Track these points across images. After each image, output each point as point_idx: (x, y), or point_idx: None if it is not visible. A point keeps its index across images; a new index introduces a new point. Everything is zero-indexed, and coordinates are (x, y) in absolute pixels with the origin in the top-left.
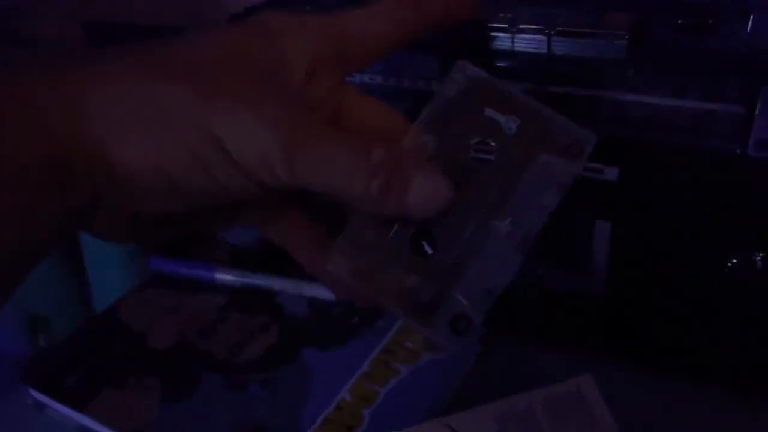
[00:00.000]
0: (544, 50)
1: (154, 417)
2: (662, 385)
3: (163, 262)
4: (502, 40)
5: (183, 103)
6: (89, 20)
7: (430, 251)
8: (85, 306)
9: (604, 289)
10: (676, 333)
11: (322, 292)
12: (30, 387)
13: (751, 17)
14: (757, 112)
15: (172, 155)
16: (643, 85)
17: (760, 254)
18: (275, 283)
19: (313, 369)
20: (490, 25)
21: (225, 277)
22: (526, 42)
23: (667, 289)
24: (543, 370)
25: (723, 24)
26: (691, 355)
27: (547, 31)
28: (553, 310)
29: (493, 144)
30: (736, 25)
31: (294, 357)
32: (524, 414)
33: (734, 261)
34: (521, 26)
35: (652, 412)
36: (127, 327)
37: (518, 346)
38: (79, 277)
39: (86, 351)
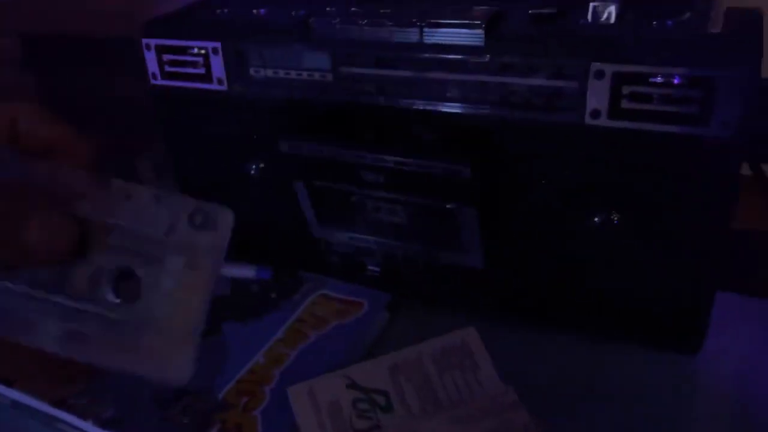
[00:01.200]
0: (416, 40)
1: (81, 387)
2: (536, 336)
3: None
4: (381, 33)
5: None
6: (23, 31)
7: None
8: None
9: (483, 262)
10: (548, 289)
11: (242, 272)
12: None
13: (591, 7)
14: (588, 85)
15: None
16: (499, 68)
17: (615, 212)
18: None
19: (231, 339)
20: (369, 18)
21: None
22: (402, 33)
23: (536, 254)
24: (443, 326)
25: (566, 13)
26: (559, 307)
27: (418, 23)
28: (448, 278)
29: None
30: (577, 14)
31: (215, 330)
32: (414, 363)
33: (594, 220)
34: (398, 20)
35: (527, 359)
36: None
37: (422, 312)
38: None
39: None
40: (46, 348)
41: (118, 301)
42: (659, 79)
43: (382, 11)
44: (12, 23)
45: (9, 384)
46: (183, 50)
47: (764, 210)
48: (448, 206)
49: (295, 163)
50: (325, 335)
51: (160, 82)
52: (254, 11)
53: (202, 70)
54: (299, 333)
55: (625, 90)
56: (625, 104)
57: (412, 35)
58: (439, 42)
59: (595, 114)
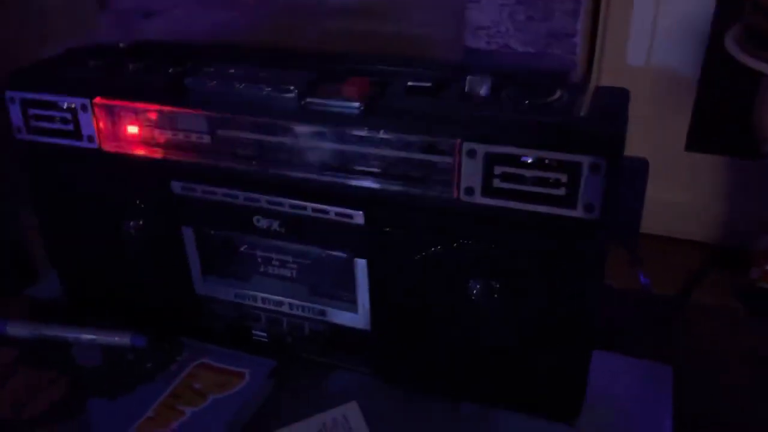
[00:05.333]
0: (294, 107)
1: None
2: (420, 405)
3: None
4: (259, 97)
5: None
6: None
7: None
8: None
9: (370, 323)
10: (431, 357)
11: (116, 340)
12: None
13: (467, 81)
14: (461, 164)
15: None
16: (376, 141)
17: (491, 282)
18: (69, 334)
19: (97, 420)
20: (247, 83)
21: (17, 330)
22: (280, 99)
23: (420, 319)
24: (329, 395)
25: (443, 87)
26: (445, 375)
27: (296, 90)
28: (335, 341)
29: None
30: (453, 88)
31: (80, 409)
32: None
33: (473, 290)
34: (276, 86)
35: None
36: None
37: (307, 380)
38: None
39: None
40: None
41: None
42: (530, 160)
43: (261, 74)
44: None
45: None
46: (51, 105)
47: (630, 266)
48: (340, 254)
49: (186, 207)
50: (202, 411)
51: (25, 136)
52: (130, 65)
53: (71, 127)
54: (172, 410)
55: (497, 170)
56: (497, 183)
57: (289, 102)
58: (317, 111)
59: (469, 191)
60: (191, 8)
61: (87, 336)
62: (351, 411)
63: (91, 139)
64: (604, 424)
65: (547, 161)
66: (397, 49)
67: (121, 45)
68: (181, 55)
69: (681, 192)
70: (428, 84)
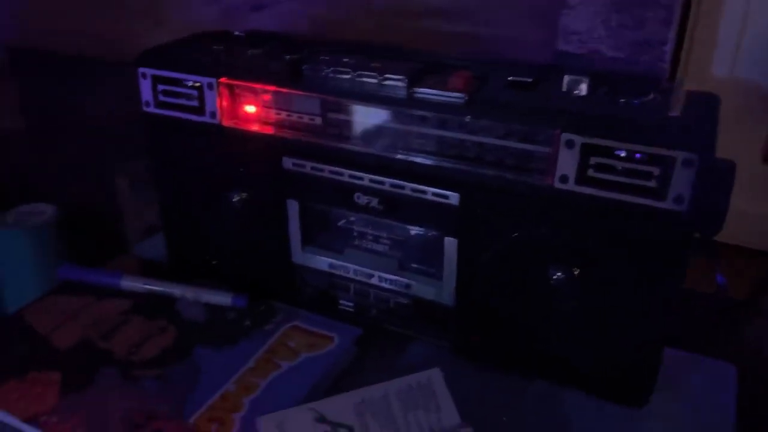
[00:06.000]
0: (402, 95)
1: (54, 405)
2: (500, 378)
3: (70, 270)
4: (369, 86)
5: None
6: (14, 47)
7: None
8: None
9: (455, 298)
10: (509, 334)
11: (218, 299)
12: None
13: (565, 79)
14: (558, 153)
15: None
16: (478, 129)
17: (576, 269)
18: (176, 290)
19: (203, 365)
20: (359, 71)
21: (130, 283)
22: (389, 88)
23: (503, 299)
24: (409, 364)
25: (542, 83)
26: (521, 352)
27: (406, 80)
28: (418, 315)
29: None
30: (552, 84)
31: (187, 355)
32: (380, 400)
33: (556, 274)
34: (387, 75)
35: (489, 401)
36: (32, 329)
37: (390, 349)
38: None
39: None
40: None
41: None
42: (623, 153)
43: (372, 64)
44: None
45: None
46: (179, 82)
47: (707, 272)
48: (431, 232)
49: (294, 181)
50: (295, 366)
51: (152, 110)
52: (249, 51)
53: (195, 103)
54: (270, 363)
55: (593, 160)
56: (591, 173)
57: (398, 90)
58: (424, 99)
59: (564, 179)
60: (295, 4)
61: (192, 294)
62: (435, 375)
63: (213, 115)
64: (669, 414)
65: (639, 155)
66: (486, 49)
67: (236, 33)
68: (292, 45)
69: (756, 203)
70: (528, 79)
